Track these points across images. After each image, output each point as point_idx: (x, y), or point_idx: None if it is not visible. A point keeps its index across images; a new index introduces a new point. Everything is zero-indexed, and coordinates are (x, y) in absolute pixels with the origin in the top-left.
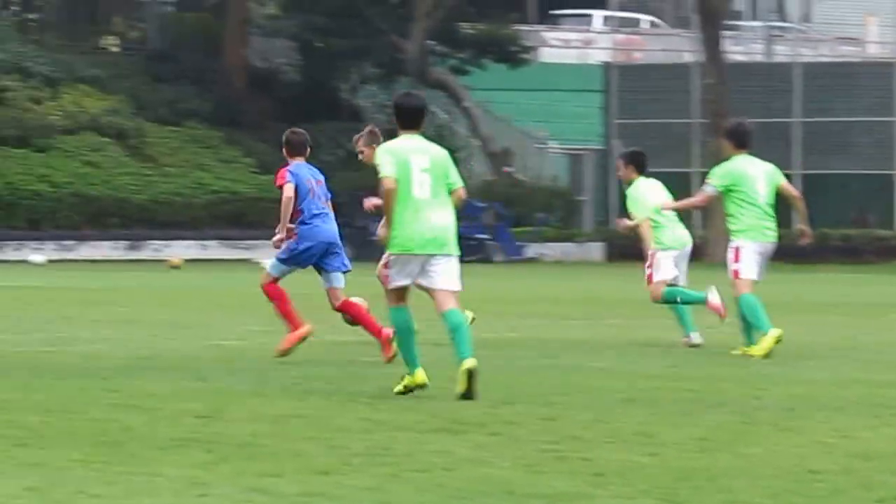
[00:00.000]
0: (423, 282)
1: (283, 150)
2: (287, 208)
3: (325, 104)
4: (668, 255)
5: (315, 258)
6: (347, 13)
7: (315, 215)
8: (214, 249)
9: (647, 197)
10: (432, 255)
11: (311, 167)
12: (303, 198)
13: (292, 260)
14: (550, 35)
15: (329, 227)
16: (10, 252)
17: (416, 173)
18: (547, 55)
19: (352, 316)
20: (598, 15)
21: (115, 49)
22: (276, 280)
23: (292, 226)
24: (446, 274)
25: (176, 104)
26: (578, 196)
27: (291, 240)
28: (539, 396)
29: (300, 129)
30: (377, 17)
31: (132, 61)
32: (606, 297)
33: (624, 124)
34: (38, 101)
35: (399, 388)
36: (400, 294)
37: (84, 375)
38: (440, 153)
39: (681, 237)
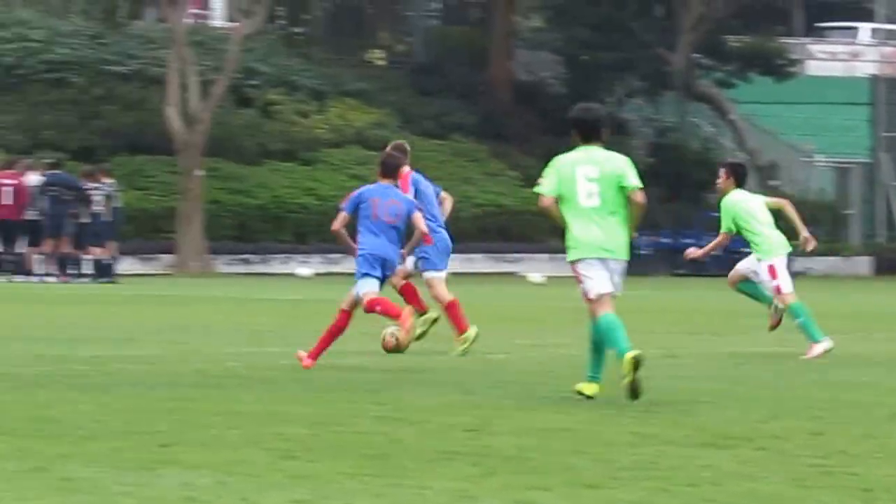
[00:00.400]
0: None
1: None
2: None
3: None
4: (783, 261)
5: None
6: (612, 27)
7: None
8: (480, 263)
9: (746, 207)
10: (605, 260)
11: None
12: None
13: None
14: (816, 48)
15: None
16: (277, 265)
17: (582, 183)
18: (813, 68)
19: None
20: (864, 27)
21: (381, 63)
22: None
23: None
24: (616, 279)
25: (441, 118)
26: (845, 210)
27: None
28: (806, 411)
29: None
30: (642, 31)
31: (398, 75)
32: (874, 312)
33: (892, 137)
34: (305, 115)
35: (580, 388)
36: (603, 302)
37: (352, 388)
38: (613, 162)
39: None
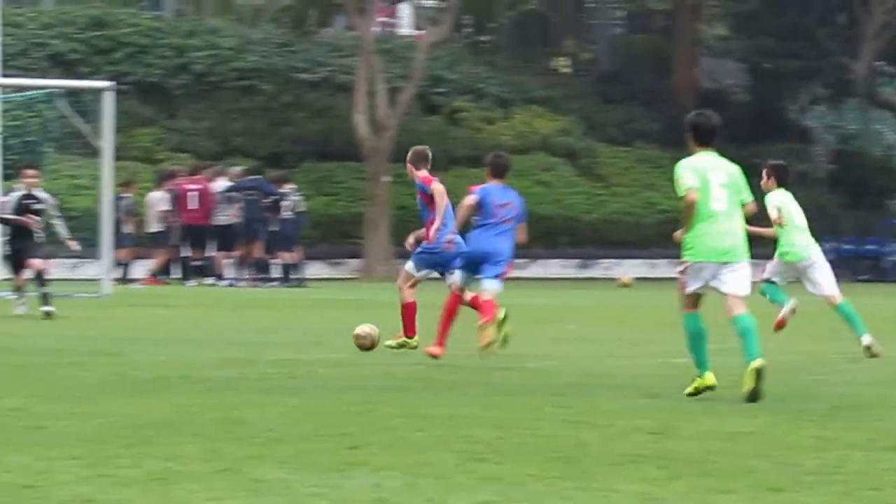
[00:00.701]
0: (716, 286)
1: None
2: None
3: (774, 125)
4: None
5: None
6: (796, 35)
7: None
8: (663, 268)
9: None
10: (725, 263)
11: None
12: None
13: None
14: None
15: None
16: None
17: (715, 188)
18: None
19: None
20: None
21: (565, 70)
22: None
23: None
24: (737, 280)
25: (626, 125)
26: None
27: None
28: None
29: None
30: (825, 39)
31: (582, 82)
32: None
33: None
34: (491, 122)
35: (690, 389)
36: (694, 300)
37: (537, 392)
38: (734, 170)
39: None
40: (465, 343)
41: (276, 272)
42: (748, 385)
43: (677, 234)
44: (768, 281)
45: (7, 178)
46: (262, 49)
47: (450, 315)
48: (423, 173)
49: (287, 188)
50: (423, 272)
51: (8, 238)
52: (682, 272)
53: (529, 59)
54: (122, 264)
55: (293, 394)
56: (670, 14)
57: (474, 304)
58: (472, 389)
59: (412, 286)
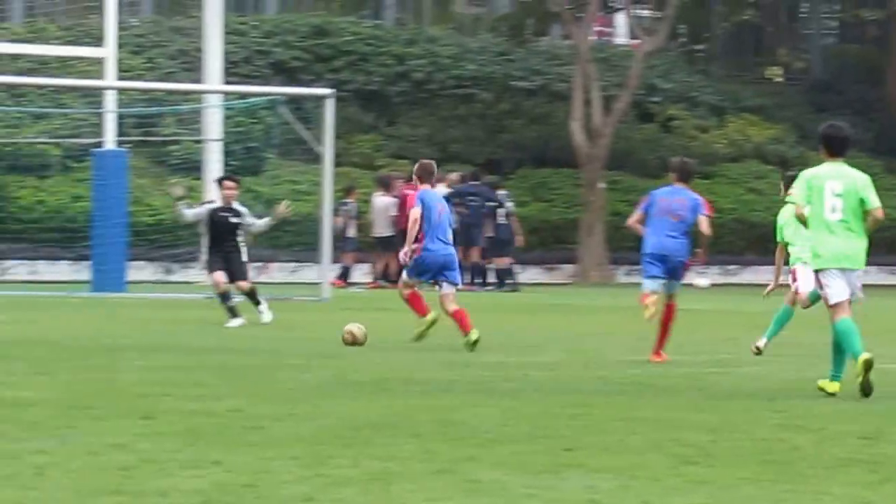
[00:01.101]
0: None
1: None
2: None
3: None
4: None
5: None
6: None
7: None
8: (873, 275)
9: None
10: (844, 270)
11: None
12: None
13: None
14: None
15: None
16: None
17: (829, 198)
18: None
19: None
20: None
21: (779, 79)
22: None
23: None
24: (854, 282)
25: None
26: None
27: None
28: None
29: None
30: None
31: (795, 91)
32: None
33: None
34: (704, 130)
35: (832, 390)
36: (842, 307)
37: (749, 396)
38: (858, 179)
39: None
40: (681, 349)
41: (492, 277)
42: (860, 378)
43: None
44: None
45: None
46: (481, 57)
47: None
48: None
49: (500, 194)
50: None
51: (211, 247)
52: (819, 285)
53: (743, 67)
54: (345, 268)
55: (508, 396)
56: (883, 24)
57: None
58: (684, 393)
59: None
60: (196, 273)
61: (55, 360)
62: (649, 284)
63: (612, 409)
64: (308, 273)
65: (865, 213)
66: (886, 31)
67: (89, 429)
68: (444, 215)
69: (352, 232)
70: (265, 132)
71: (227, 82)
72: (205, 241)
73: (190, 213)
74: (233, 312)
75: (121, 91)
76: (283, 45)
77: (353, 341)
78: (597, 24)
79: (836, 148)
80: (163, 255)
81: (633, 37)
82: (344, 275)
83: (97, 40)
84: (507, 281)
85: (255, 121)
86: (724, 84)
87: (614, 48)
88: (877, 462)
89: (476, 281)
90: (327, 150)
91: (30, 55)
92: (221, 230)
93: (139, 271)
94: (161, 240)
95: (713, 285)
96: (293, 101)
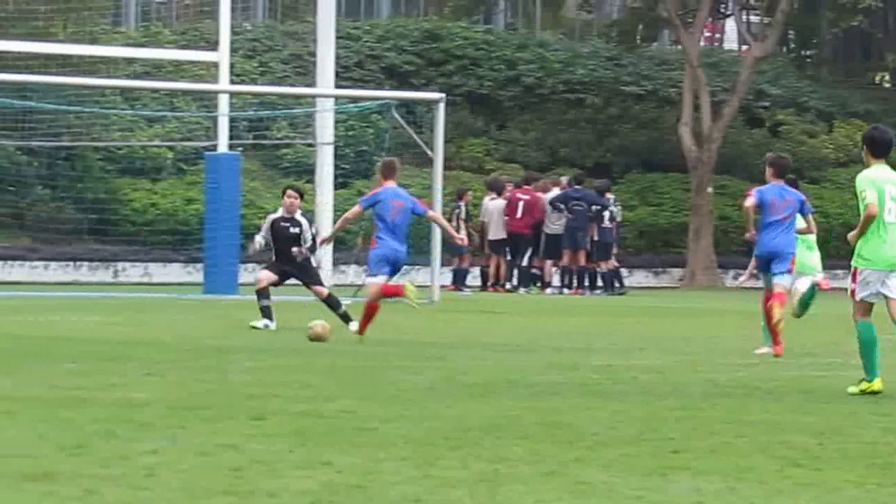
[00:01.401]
0: (883, 291)
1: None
2: None
3: None
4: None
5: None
6: None
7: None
8: None
9: None
10: (893, 271)
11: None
12: None
13: None
14: None
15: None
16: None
17: (888, 200)
18: None
19: None
20: None
21: (887, 84)
22: None
23: None
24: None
25: None
26: None
27: None
28: None
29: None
30: None
31: None
32: None
33: None
34: (813, 135)
35: (855, 390)
36: (866, 307)
37: (854, 399)
38: None
39: None
40: (789, 352)
41: (599, 281)
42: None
43: (851, 235)
44: None
45: (340, 186)
46: (590, 62)
47: (769, 316)
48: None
49: (608, 198)
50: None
51: (275, 256)
52: (854, 279)
53: (851, 73)
54: (458, 271)
55: (616, 399)
56: None
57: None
58: (791, 396)
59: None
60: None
61: (166, 361)
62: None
63: (719, 412)
64: (418, 276)
65: None
66: None
67: (200, 429)
68: (401, 211)
69: (464, 235)
70: (376, 136)
71: (339, 86)
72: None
73: (259, 238)
74: (264, 313)
75: (234, 95)
76: (395, 50)
77: (317, 338)
78: (706, 30)
79: (880, 150)
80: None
81: (743, 42)
82: (457, 278)
83: (211, 44)
84: (615, 284)
85: (366, 124)
86: (832, 89)
87: (723, 53)
88: None
89: (585, 284)
90: (438, 153)
91: (144, 59)
92: (281, 239)
93: (251, 273)
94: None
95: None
96: (404, 105)
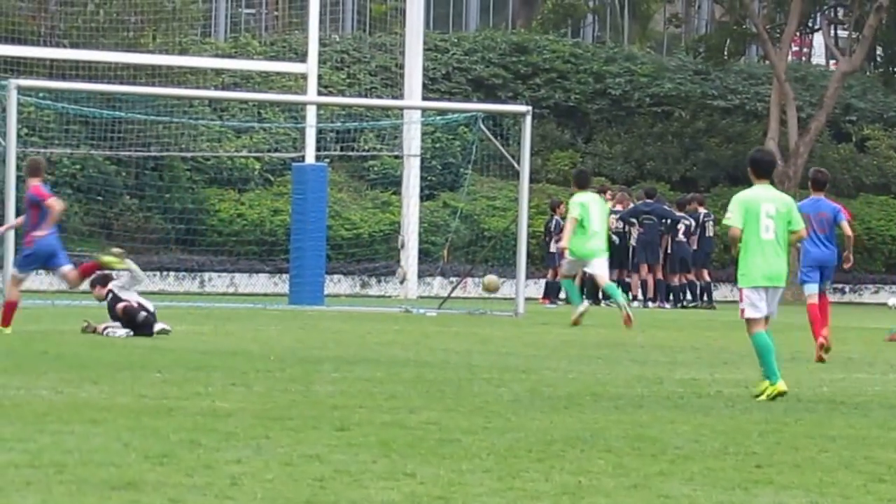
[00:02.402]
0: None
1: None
2: None
3: None
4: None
5: None
6: None
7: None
8: None
9: None
10: (771, 288)
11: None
12: None
13: None
14: None
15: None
16: (868, 295)
17: (764, 219)
18: None
19: None
20: None
21: None
22: None
23: None
24: (775, 303)
25: None
26: None
27: None
28: None
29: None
30: None
31: None
32: None
33: None
34: None
35: (762, 397)
36: (758, 322)
37: None
38: (786, 201)
39: None
40: (873, 367)
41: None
42: (761, 396)
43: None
44: None
45: (426, 198)
46: (678, 76)
47: (814, 319)
48: (35, 183)
49: (699, 211)
50: (28, 273)
51: None
52: (741, 300)
53: None
54: (551, 283)
55: (700, 412)
56: None
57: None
58: (875, 411)
59: (18, 286)
60: (393, 286)
61: (252, 371)
62: (810, 288)
63: (803, 427)
64: (504, 288)
65: (790, 233)
66: None
67: (284, 440)
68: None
69: (554, 248)
70: (463, 148)
71: (427, 98)
72: None
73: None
74: None
75: (321, 106)
76: (483, 62)
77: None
78: (794, 45)
79: (763, 171)
80: (360, 268)
81: (830, 57)
82: (549, 290)
83: (299, 55)
84: (702, 297)
85: (453, 136)
86: None
87: (811, 68)
88: None
89: (668, 298)
90: (524, 166)
91: (233, 70)
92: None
93: (336, 285)
94: (358, 254)
95: None
96: (491, 117)
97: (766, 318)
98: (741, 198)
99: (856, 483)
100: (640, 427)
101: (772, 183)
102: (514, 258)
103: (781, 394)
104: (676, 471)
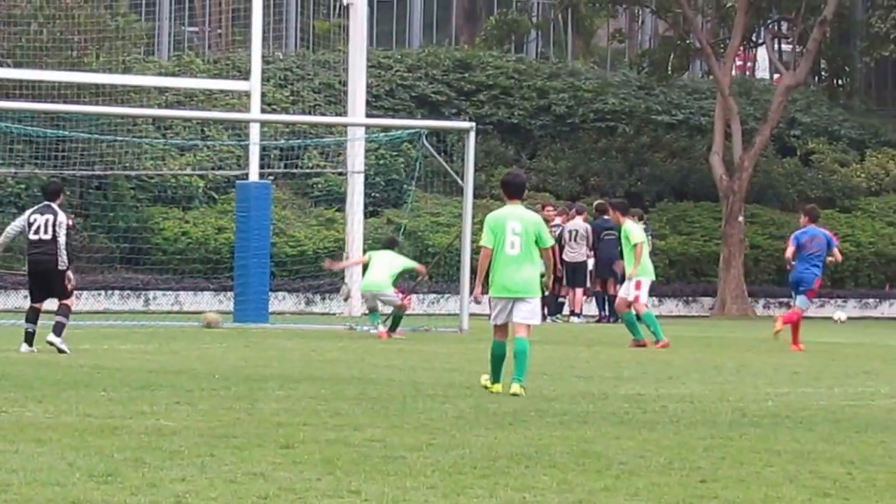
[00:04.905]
0: (510, 317)
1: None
2: None
3: None
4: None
5: None
6: None
7: None
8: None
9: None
10: (517, 299)
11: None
12: None
13: None
14: None
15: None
16: (814, 310)
17: (510, 235)
18: None
19: None
20: None
21: None
22: None
23: None
24: (527, 311)
25: None
26: None
27: None
28: None
29: None
30: None
31: None
32: None
33: None
34: (844, 164)
35: (484, 382)
36: (503, 329)
37: (885, 428)
38: (533, 219)
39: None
40: (819, 381)
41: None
42: (490, 388)
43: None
44: None
45: (370, 215)
46: (622, 91)
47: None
48: None
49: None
50: None
51: None
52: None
53: (883, 101)
54: None
55: (645, 428)
56: None
57: None
58: (820, 426)
59: None
60: (337, 304)
61: (197, 389)
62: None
63: (748, 441)
64: (449, 304)
65: (540, 249)
66: None
67: (229, 458)
68: None
69: None
70: (407, 165)
71: (371, 115)
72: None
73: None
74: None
75: (265, 123)
76: (426, 79)
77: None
78: (738, 59)
79: (513, 191)
80: (304, 286)
81: (775, 71)
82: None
83: (243, 73)
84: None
85: (397, 153)
86: (864, 118)
87: (755, 82)
88: None
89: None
90: (468, 182)
91: (176, 88)
92: None
93: (281, 302)
94: (302, 271)
95: (850, 318)
96: (435, 134)
97: (528, 326)
98: (489, 219)
99: (801, 497)
100: (585, 443)
101: (522, 201)
102: (458, 274)
103: (495, 392)
104: (621, 486)
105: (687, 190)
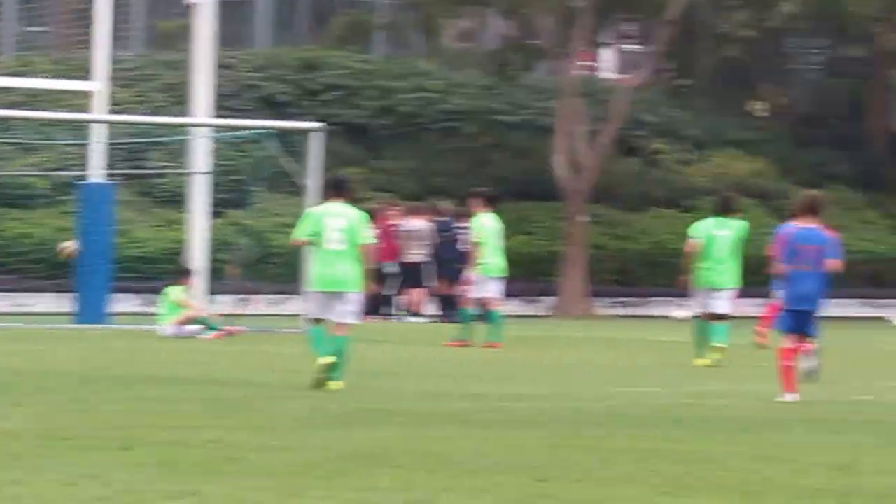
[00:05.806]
0: (328, 315)
1: None
2: None
3: None
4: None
5: None
6: None
7: None
8: (852, 308)
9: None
10: (336, 293)
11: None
12: None
13: None
14: None
15: None
16: (655, 308)
17: (332, 231)
18: None
19: None
20: None
21: (763, 114)
22: None
23: None
24: (344, 309)
25: (819, 167)
26: None
27: None
28: None
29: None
30: None
31: (778, 126)
32: None
33: None
34: (687, 164)
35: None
36: (318, 320)
37: (722, 427)
38: (355, 217)
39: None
40: (661, 380)
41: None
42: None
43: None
44: None
45: (216, 215)
46: (467, 91)
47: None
48: None
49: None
50: None
51: None
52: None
53: (727, 102)
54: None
55: (486, 427)
56: (867, 60)
57: None
58: (659, 425)
59: None
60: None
61: (37, 391)
62: None
63: (588, 441)
64: (293, 305)
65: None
66: (870, 68)
67: (67, 460)
68: None
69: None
70: (252, 165)
71: (217, 116)
72: None
73: None
74: None
75: (110, 124)
76: (273, 80)
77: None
78: (582, 59)
79: (335, 191)
80: (146, 287)
81: (619, 72)
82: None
83: (87, 73)
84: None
85: (242, 153)
86: (708, 118)
87: (600, 83)
88: (849, 493)
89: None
90: (313, 183)
91: (20, 88)
92: None
93: (123, 303)
94: (145, 271)
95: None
96: (281, 134)
97: (347, 325)
98: (309, 213)
99: (639, 496)
100: (427, 442)
101: (348, 201)
102: (300, 275)
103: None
104: (462, 486)
105: (530, 190)
